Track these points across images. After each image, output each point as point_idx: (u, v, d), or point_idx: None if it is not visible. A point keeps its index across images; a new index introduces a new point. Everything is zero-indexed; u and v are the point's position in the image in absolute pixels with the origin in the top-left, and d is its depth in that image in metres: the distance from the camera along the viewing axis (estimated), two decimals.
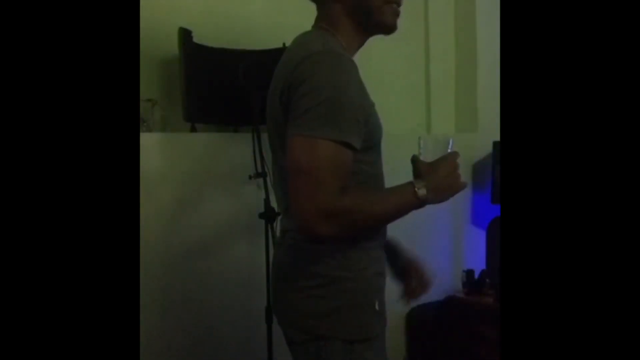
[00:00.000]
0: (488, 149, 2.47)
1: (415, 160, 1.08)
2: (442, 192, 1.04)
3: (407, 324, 2.27)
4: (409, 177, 1.06)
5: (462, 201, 2.55)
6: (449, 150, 1.07)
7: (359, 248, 1.06)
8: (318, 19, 1.16)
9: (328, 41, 1.05)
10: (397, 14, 1.15)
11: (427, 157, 1.05)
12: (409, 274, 1.27)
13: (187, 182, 1.90)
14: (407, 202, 1.01)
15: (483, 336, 1.87)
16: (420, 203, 1.01)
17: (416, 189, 1.00)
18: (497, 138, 2.28)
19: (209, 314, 1.96)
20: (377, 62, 2.49)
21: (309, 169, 0.93)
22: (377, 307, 1.06)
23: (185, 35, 1.91)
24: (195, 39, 1.95)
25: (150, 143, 1.83)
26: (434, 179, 1.03)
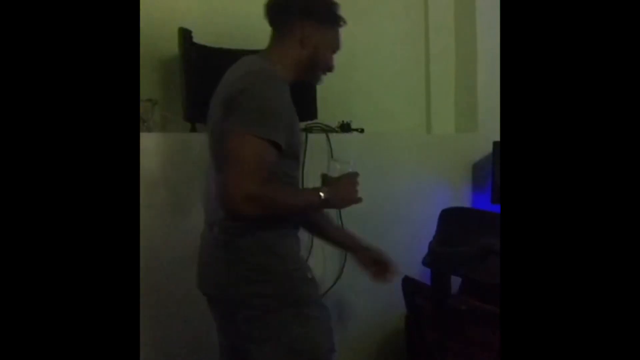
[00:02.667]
0: (488, 149, 2.47)
1: (324, 176, 1.37)
2: (339, 199, 1.32)
3: (407, 324, 2.27)
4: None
5: (462, 201, 2.55)
6: (349, 170, 1.37)
7: (278, 234, 1.31)
8: (270, 48, 1.38)
9: (267, 66, 1.30)
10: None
11: (335, 174, 1.37)
12: (367, 262, 1.56)
13: (187, 182, 1.90)
14: (312, 200, 1.29)
15: (481, 339, 1.87)
16: (321, 203, 1.29)
17: (320, 192, 1.28)
18: (497, 138, 2.28)
19: (208, 313, 1.96)
20: (377, 62, 2.49)
21: (238, 159, 1.16)
22: (309, 275, 1.35)
23: (185, 35, 1.91)
24: (195, 39, 1.95)
25: (150, 143, 1.83)
26: (334, 188, 1.31)
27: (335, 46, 1.42)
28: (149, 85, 2.00)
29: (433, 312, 2.00)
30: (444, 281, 2.02)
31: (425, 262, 2.08)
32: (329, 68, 1.43)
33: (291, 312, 1.29)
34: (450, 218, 2.12)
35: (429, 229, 2.19)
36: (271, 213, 1.24)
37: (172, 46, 1.95)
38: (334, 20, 1.39)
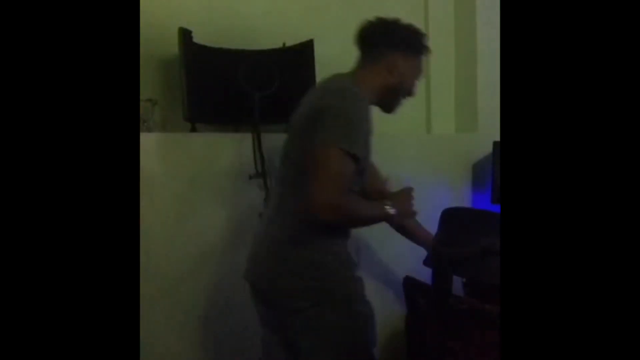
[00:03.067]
0: (488, 149, 2.47)
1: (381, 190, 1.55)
2: (400, 213, 1.46)
3: (407, 324, 2.27)
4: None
5: (462, 201, 2.55)
6: (405, 185, 1.49)
7: (334, 234, 1.41)
8: (358, 70, 1.49)
9: (352, 86, 1.40)
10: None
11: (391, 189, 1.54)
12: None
13: (187, 182, 1.90)
14: (382, 215, 1.43)
15: (482, 339, 1.87)
16: (387, 217, 1.44)
17: (386, 207, 1.42)
18: (497, 138, 2.28)
19: (208, 313, 1.96)
20: None
21: (325, 169, 1.26)
22: (357, 273, 1.46)
23: (185, 35, 1.91)
24: (195, 39, 1.95)
25: (150, 143, 1.83)
26: (396, 203, 1.44)
27: (419, 74, 1.57)
28: (149, 85, 2.00)
29: (433, 312, 2.00)
30: (445, 281, 2.02)
31: (427, 262, 2.08)
32: (411, 94, 1.56)
33: (340, 308, 1.37)
34: (451, 218, 2.12)
35: (429, 229, 2.19)
36: (347, 222, 1.40)
37: (172, 46, 1.95)
38: (421, 50, 1.57)
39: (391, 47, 1.49)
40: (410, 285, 2.05)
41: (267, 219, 1.47)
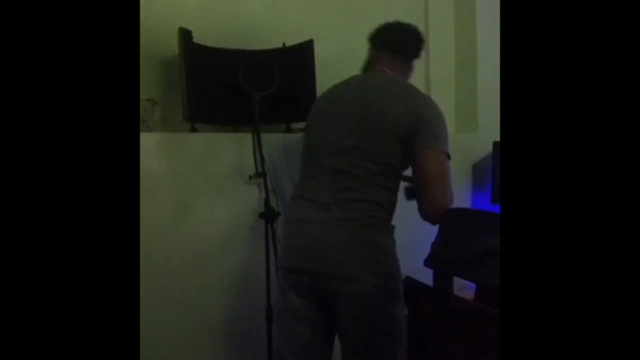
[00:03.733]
0: (488, 149, 2.47)
1: (409, 189, 1.64)
2: None
3: (406, 324, 2.27)
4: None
5: (462, 201, 2.55)
6: None
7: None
8: (394, 74, 1.60)
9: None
10: None
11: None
12: None
13: (187, 182, 1.90)
14: None
15: (482, 339, 1.86)
16: None
17: None
18: (497, 138, 2.28)
19: (208, 313, 1.96)
20: None
21: (445, 177, 1.41)
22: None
23: (185, 35, 1.91)
24: (195, 39, 1.95)
25: (150, 143, 1.83)
26: None
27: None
28: (149, 85, 2.00)
29: (434, 313, 1.99)
30: (445, 282, 2.02)
31: (427, 263, 2.08)
32: None
33: (395, 294, 1.44)
34: (452, 218, 2.12)
35: (429, 230, 2.19)
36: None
37: (172, 46, 1.95)
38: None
39: (416, 56, 1.66)
40: (410, 286, 2.05)
41: (322, 207, 1.44)
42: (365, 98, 1.48)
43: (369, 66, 1.67)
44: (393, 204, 1.51)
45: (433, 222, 1.52)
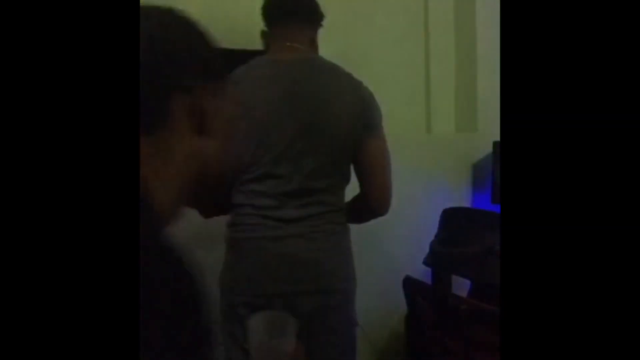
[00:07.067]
0: (488, 149, 2.47)
1: None
2: None
3: (407, 324, 2.27)
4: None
5: (462, 201, 2.55)
6: None
7: None
8: (303, 47, 1.37)
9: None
10: None
11: None
12: None
13: None
14: None
15: (481, 339, 1.87)
16: None
17: None
18: (497, 138, 2.28)
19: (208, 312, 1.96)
20: (377, 62, 2.49)
21: (389, 167, 1.36)
22: None
23: None
24: None
25: None
26: None
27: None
28: None
29: (433, 312, 2.00)
30: (444, 281, 2.02)
31: (427, 262, 2.08)
32: None
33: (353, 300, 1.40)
34: (452, 218, 2.13)
35: (429, 229, 2.19)
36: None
37: None
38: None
39: (312, 22, 1.41)
40: (410, 285, 2.05)
41: (283, 218, 1.31)
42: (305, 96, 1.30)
43: (268, 45, 1.40)
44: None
45: (385, 212, 1.41)
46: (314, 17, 1.38)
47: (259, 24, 2.26)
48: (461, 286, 2.37)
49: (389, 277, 2.26)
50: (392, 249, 2.20)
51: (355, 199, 1.42)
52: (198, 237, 1.93)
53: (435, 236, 2.13)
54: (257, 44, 2.08)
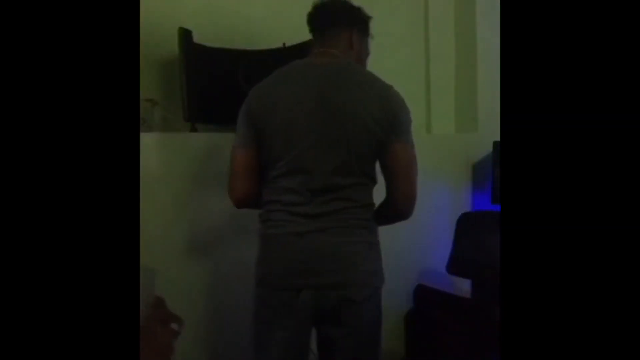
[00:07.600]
0: (488, 149, 2.47)
1: None
2: None
3: (406, 324, 2.27)
4: None
5: (462, 201, 2.55)
6: None
7: None
8: (339, 52, 1.46)
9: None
10: None
11: None
12: None
13: (187, 182, 1.90)
14: None
15: (482, 339, 1.86)
16: None
17: None
18: (497, 138, 2.28)
19: (209, 313, 1.96)
20: (377, 62, 2.49)
21: (413, 168, 1.38)
22: None
23: (185, 35, 1.91)
24: (195, 39, 1.95)
25: (150, 143, 1.83)
26: None
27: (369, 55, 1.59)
28: (149, 85, 2.00)
29: (470, 328, 1.93)
30: (488, 292, 1.95)
31: (449, 269, 2.04)
32: None
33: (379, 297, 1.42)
34: (472, 222, 2.09)
35: (429, 229, 2.20)
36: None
37: (172, 46, 1.95)
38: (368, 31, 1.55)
39: (350, 25, 1.49)
40: (421, 293, 2.01)
41: (312, 211, 1.35)
42: (332, 99, 1.36)
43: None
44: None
45: (408, 216, 1.46)
46: (351, 22, 1.48)
47: (259, 24, 2.26)
48: (461, 286, 2.37)
49: (387, 276, 2.26)
50: (391, 248, 2.20)
51: (382, 202, 1.48)
52: (204, 253, 1.94)
53: (456, 242, 2.08)
54: (257, 44, 2.09)
